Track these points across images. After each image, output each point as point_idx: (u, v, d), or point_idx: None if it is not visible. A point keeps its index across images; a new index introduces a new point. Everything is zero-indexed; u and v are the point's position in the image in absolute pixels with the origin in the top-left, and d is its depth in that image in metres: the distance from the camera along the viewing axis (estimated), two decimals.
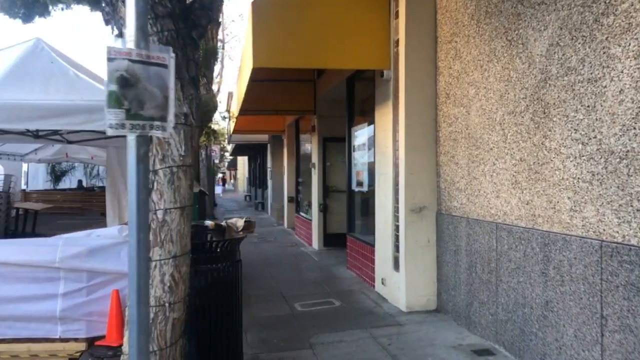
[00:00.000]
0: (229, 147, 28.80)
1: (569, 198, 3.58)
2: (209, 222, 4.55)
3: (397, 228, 5.88)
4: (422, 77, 5.63)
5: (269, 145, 18.99)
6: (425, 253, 5.66)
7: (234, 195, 35.51)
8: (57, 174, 21.13)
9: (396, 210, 5.90)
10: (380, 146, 6.48)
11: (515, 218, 4.20)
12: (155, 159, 2.70)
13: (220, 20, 9.37)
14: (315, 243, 10.65)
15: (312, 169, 10.83)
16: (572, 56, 3.55)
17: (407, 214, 5.65)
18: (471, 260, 4.88)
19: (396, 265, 5.90)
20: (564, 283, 3.59)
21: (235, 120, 11.89)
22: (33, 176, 21.88)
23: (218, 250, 3.92)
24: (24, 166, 20.17)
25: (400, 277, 5.77)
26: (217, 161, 38.44)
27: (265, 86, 10.05)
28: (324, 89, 9.61)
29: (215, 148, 29.37)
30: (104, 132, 5.52)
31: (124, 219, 7.96)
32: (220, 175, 63.33)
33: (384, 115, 6.30)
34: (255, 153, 25.94)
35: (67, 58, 6.24)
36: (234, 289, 3.93)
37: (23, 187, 20.24)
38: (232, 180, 61.57)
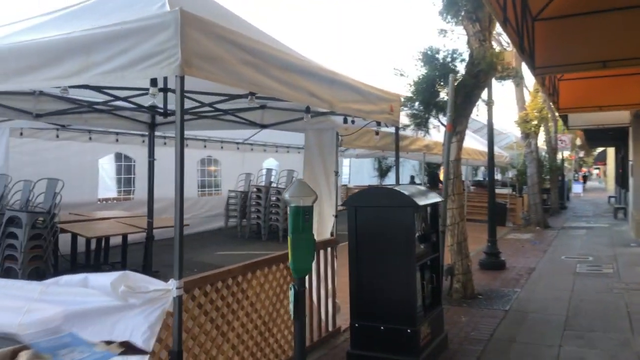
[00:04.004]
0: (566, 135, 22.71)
1: None
2: None
3: None
4: None
5: (630, 129, 13.44)
6: None
7: (598, 196, 28.80)
8: (383, 169, 20.43)
9: None
10: None
11: None
12: None
13: None
14: None
15: None
16: None
17: None
18: None
19: None
20: None
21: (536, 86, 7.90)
22: (356, 171, 21.93)
23: None
24: (346, 161, 20.30)
25: None
26: (570, 153, 32.22)
27: (584, 22, 5.96)
28: None
29: (565, 138, 24.05)
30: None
31: (325, 234, 5.47)
32: (590, 171, 54.38)
33: None
34: (619, 142, 19.63)
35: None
36: None
37: (344, 182, 20.37)
38: (603, 177, 52.31)
